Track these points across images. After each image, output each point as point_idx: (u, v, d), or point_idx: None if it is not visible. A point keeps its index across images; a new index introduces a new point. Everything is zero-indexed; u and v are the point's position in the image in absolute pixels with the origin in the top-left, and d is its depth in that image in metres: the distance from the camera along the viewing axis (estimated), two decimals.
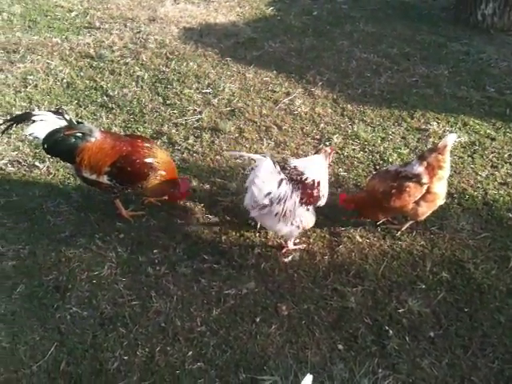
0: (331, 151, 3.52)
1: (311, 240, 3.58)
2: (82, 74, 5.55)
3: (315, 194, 3.24)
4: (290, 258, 3.43)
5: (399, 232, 3.64)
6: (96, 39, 6.29)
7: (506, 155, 4.41)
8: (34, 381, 2.72)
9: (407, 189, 3.35)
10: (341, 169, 4.25)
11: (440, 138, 4.62)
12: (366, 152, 4.46)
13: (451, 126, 4.82)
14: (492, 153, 4.46)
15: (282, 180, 3.05)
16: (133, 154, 3.37)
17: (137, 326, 2.98)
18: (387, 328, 3.01)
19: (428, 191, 3.37)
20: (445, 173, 3.38)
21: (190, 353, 2.85)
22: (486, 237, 3.63)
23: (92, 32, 6.49)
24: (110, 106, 5.01)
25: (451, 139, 3.32)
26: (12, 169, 4.11)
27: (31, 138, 3.42)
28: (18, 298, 3.13)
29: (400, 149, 4.48)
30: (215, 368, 2.78)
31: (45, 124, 3.30)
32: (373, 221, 3.70)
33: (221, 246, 3.45)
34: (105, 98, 5.14)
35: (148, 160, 3.39)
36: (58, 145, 3.31)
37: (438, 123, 4.86)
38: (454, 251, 3.52)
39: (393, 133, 4.72)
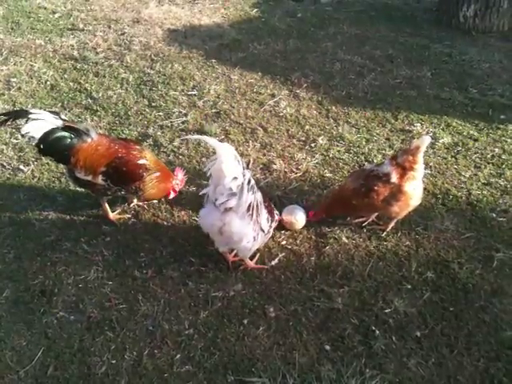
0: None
1: (298, 241, 3.60)
2: (65, 76, 5.52)
3: (272, 205, 3.33)
4: (276, 260, 3.44)
5: (384, 232, 3.66)
6: (80, 41, 6.27)
7: (488, 156, 4.47)
8: None
9: (375, 187, 3.40)
10: (326, 170, 4.27)
11: None
12: (351, 153, 4.50)
13: (434, 127, 4.87)
14: (475, 153, 4.51)
15: (244, 168, 2.89)
16: (127, 155, 3.40)
17: (124, 330, 2.97)
18: (374, 328, 3.03)
19: (399, 191, 3.40)
20: (417, 173, 3.40)
21: (178, 356, 2.85)
22: (470, 237, 3.67)
23: (75, 34, 6.46)
24: (94, 108, 4.99)
25: (424, 141, 3.32)
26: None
27: (26, 137, 3.33)
28: (4, 303, 3.11)
29: (384, 150, 4.52)
30: (203, 371, 2.78)
31: (41, 123, 3.27)
32: (358, 224, 3.73)
33: (208, 249, 3.45)
34: (89, 100, 5.12)
35: (141, 161, 3.42)
36: (54, 144, 3.29)
37: (421, 124, 4.91)
38: (439, 251, 3.55)
39: (377, 134, 4.76)
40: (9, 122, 3.42)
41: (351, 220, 3.77)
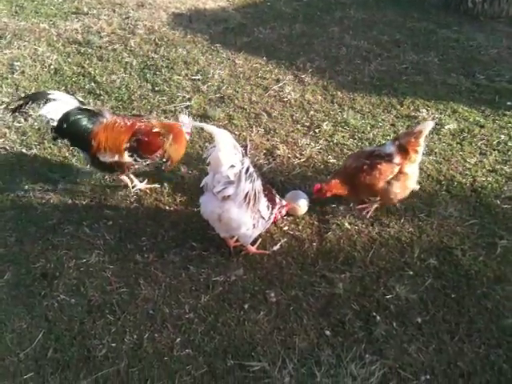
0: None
1: (300, 227, 3.58)
2: (69, 60, 5.50)
3: (273, 192, 3.27)
4: (278, 245, 3.42)
5: (368, 214, 3.66)
6: (84, 25, 6.22)
7: (494, 142, 4.42)
8: (22, 368, 2.71)
9: (378, 166, 3.38)
10: (330, 156, 4.24)
11: None
12: (355, 139, 4.46)
13: (440, 113, 4.81)
14: (481, 140, 4.46)
15: (243, 156, 2.86)
16: (144, 126, 3.47)
17: (125, 314, 2.97)
18: (375, 314, 3.02)
19: (400, 171, 3.40)
20: (418, 157, 3.41)
21: (178, 339, 2.85)
22: (473, 223, 3.64)
23: (80, 17, 6.42)
24: (98, 92, 4.96)
25: (428, 126, 3.35)
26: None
27: (45, 119, 3.34)
28: (5, 286, 3.12)
29: (389, 136, 4.46)
30: (203, 354, 2.79)
31: (59, 104, 3.29)
32: (360, 210, 3.70)
33: (209, 234, 3.44)
34: (93, 84, 5.09)
35: (155, 130, 3.48)
36: (73, 127, 3.30)
37: (427, 110, 4.86)
38: (442, 238, 3.53)
39: (382, 120, 4.72)
40: (26, 107, 3.44)
41: (354, 206, 3.74)
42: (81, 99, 3.46)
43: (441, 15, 6.77)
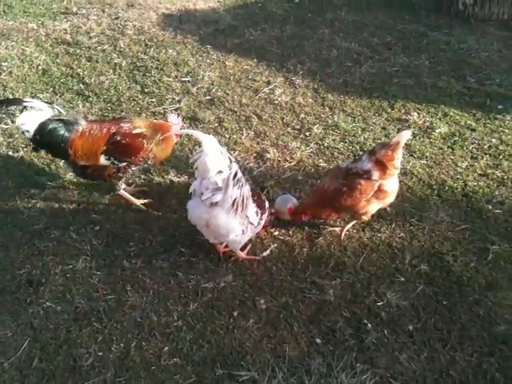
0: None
1: (290, 232, 3.54)
2: (58, 60, 5.43)
3: (262, 198, 3.20)
4: (268, 251, 3.38)
5: (343, 234, 3.54)
6: (73, 25, 6.16)
7: (485, 146, 4.40)
8: (6, 378, 2.64)
9: (358, 186, 3.21)
10: (321, 160, 4.21)
11: (420, 129, 4.62)
12: (346, 143, 4.43)
13: (431, 117, 4.80)
14: (472, 144, 4.45)
15: (231, 161, 2.80)
16: (121, 129, 3.38)
17: (112, 321, 2.92)
18: (366, 321, 2.98)
19: (379, 189, 3.24)
20: (396, 170, 3.25)
21: (166, 348, 2.80)
22: (465, 229, 3.62)
23: (69, 17, 6.36)
24: (86, 93, 4.90)
25: (404, 136, 3.15)
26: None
27: (21, 129, 3.27)
28: None
29: (380, 139, 4.44)
30: (191, 363, 2.74)
31: (36, 114, 3.22)
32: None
33: (198, 239, 3.38)
34: (81, 85, 5.03)
35: (136, 131, 3.39)
36: (49, 138, 3.24)
37: (418, 113, 4.84)
38: (433, 243, 3.50)
39: (373, 123, 4.69)
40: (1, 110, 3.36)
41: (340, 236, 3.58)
42: (57, 107, 3.35)
43: (432, 18, 6.77)
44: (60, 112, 3.33)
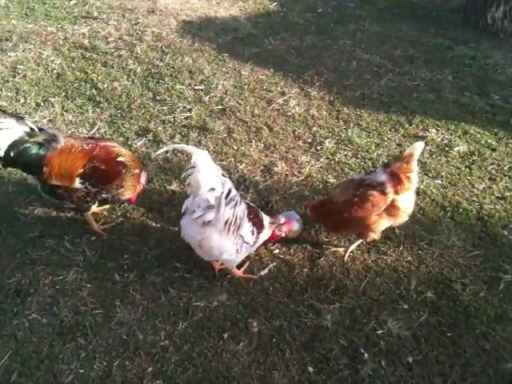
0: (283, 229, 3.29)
1: (291, 251, 3.40)
2: (73, 65, 5.39)
3: (259, 217, 3.01)
4: (266, 270, 3.25)
5: (347, 255, 3.38)
6: (92, 29, 6.13)
7: (505, 167, 4.19)
8: None
9: (370, 197, 3.07)
10: (330, 175, 4.06)
11: (438, 147, 4.43)
12: (358, 158, 4.27)
13: (451, 134, 4.60)
14: (491, 164, 4.24)
15: (225, 178, 2.71)
16: (104, 152, 3.18)
17: (97, 337, 2.82)
18: (363, 351, 2.83)
19: (392, 204, 3.10)
20: (412, 184, 3.10)
21: (150, 369, 2.69)
22: (477, 255, 3.42)
23: (89, 22, 6.33)
24: (97, 99, 4.84)
25: (418, 147, 3.03)
26: None
27: None
28: None
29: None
30: None
31: (6, 133, 3.00)
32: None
33: (194, 254, 3.25)
34: (94, 91, 4.98)
35: (120, 158, 3.21)
36: (22, 156, 3.02)
37: (436, 130, 4.64)
38: (442, 269, 3.32)
39: (388, 139, 4.52)
40: None
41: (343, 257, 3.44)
42: (31, 125, 3.10)
43: (458, 31, 6.55)
44: (32, 128, 3.09)
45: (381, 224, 3.20)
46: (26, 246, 3.31)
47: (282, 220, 3.26)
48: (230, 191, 2.67)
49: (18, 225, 3.46)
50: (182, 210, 2.87)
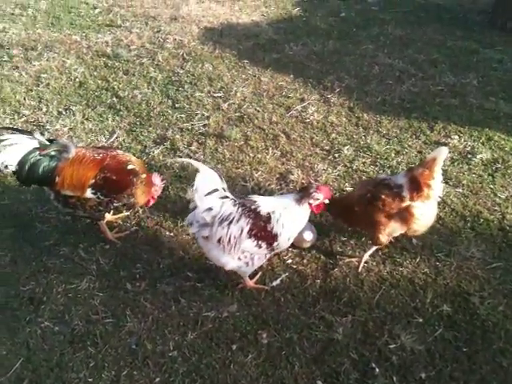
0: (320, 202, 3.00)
1: (305, 261, 3.36)
2: (95, 73, 5.47)
3: (268, 229, 2.87)
4: (278, 280, 3.21)
5: (361, 265, 3.32)
6: (115, 37, 6.22)
7: None
8: None
9: (382, 196, 3.03)
10: (347, 183, 4.00)
11: (460, 154, 4.33)
12: (377, 166, 4.20)
13: (474, 141, 4.49)
14: None
15: (226, 197, 2.84)
16: (115, 162, 3.20)
17: (107, 346, 2.83)
18: (374, 365, 2.76)
19: (407, 210, 3.04)
20: (432, 192, 3.01)
21: (158, 379, 2.69)
22: (497, 267, 3.32)
23: (112, 30, 6.42)
24: (118, 107, 4.90)
25: (442, 153, 2.96)
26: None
27: (3, 167, 3.09)
28: None
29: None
30: None
31: (16, 149, 3.05)
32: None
33: (208, 263, 3.26)
34: (114, 99, 5.04)
35: (130, 167, 3.22)
36: (34, 169, 3.06)
37: (459, 137, 4.53)
38: (460, 281, 3.23)
39: (409, 146, 4.43)
40: None
41: (366, 242, 3.46)
42: (41, 138, 3.15)
43: (485, 34, 6.41)
44: (42, 141, 3.14)
45: (391, 227, 3.14)
46: (42, 254, 3.36)
47: (312, 190, 2.96)
48: (228, 214, 2.79)
49: (35, 233, 3.51)
50: (186, 222, 2.92)
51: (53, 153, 3.12)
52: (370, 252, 3.34)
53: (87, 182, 3.12)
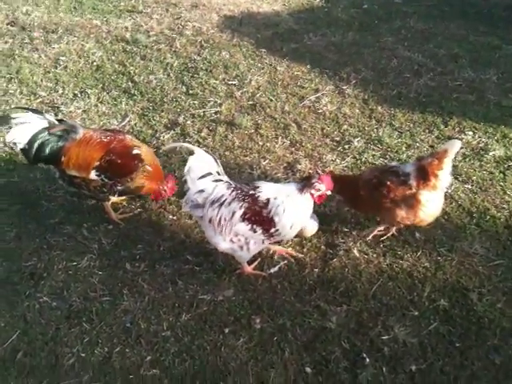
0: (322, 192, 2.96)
1: (305, 249, 3.36)
2: (113, 57, 5.54)
3: (264, 214, 2.86)
4: (276, 267, 3.22)
5: (371, 235, 3.42)
6: (135, 23, 6.28)
7: None
8: None
9: (388, 182, 3.08)
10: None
11: (473, 150, 4.26)
12: (386, 159, 4.16)
13: (488, 138, 4.41)
14: None
15: (220, 180, 2.89)
16: (121, 146, 3.24)
17: (102, 324, 2.89)
18: (365, 355, 2.75)
19: (414, 196, 3.06)
20: (440, 182, 3.03)
21: (149, 358, 2.73)
22: (499, 264, 3.27)
23: (133, 16, 6.48)
24: (132, 92, 4.95)
25: (454, 145, 2.97)
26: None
27: (12, 144, 3.20)
28: None
29: None
30: (170, 377, 2.65)
31: (26, 128, 3.13)
32: (375, 237, 3.43)
33: (207, 248, 3.29)
34: (129, 83, 5.09)
35: (135, 151, 3.25)
36: (42, 149, 3.15)
37: (473, 133, 4.46)
38: (460, 277, 3.19)
39: (421, 140, 4.38)
40: None
41: (366, 235, 3.45)
42: (50, 117, 3.24)
43: (510, 30, 6.28)
44: (52, 121, 3.22)
45: (397, 214, 3.16)
46: (46, 231, 3.43)
47: (314, 180, 2.91)
48: (219, 196, 2.86)
49: (41, 211, 3.59)
50: (182, 202, 3.02)
51: (60, 133, 3.17)
52: (380, 228, 3.43)
53: (92, 164, 3.18)
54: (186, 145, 3.00)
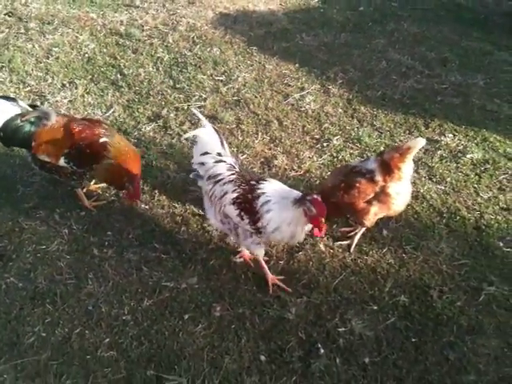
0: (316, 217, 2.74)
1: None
2: (105, 50, 5.59)
3: (254, 205, 2.84)
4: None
5: (352, 247, 3.39)
6: (130, 17, 6.33)
7: None
8: None
9: (357, 184, 3.09)
10: (329, 172, 4.01)
11: (451, 152, 4.29)
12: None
13: (468, 141, 4.44)
14: (503, 174, 4.06)
15: (222, 161, 3.00)
16: (91, 135, 3.27)
17: (64, 306, 2.96)
18: (319, 346, 2.81)
19: (383, 191, 3.08)
20: (404, 174, 3.05)
21: (107, 340, 2.79)
22: (463, 264, 3.31)
23: (130, 10, 6.53)
24: (119, 84, 5.01)
25: (418, 143, 2.99)
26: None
27: None
28: None
29: None
30: (126, 359, 2.71)
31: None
32: (344, 233, 3.47)
33: (176, 237, 3.36)
34: (118, 75, 5.15)
35: (102, 139, 3.27)
36: (15, 134, 3.23)
37: (454, 135, 4.49)
38: (423, 275, 3.24)
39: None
40: None
41: (337, 228, 3.50)
42: (23, 104, 3.32)
43: (503, 36, 6.26)
44: (25, 108, 3.29)
45: (372, 212, 3.18)
46: (19, 215, 3.50)
47: (308, 198, 2.70)
48: (214, 173, 2.98)
49: (16, 196, 3.66)
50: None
51: (33, 119, 3.24)
52: (360, 233, 3.41)
53: (61, 151, 3.24)
54: (199, 115, 3.16)
